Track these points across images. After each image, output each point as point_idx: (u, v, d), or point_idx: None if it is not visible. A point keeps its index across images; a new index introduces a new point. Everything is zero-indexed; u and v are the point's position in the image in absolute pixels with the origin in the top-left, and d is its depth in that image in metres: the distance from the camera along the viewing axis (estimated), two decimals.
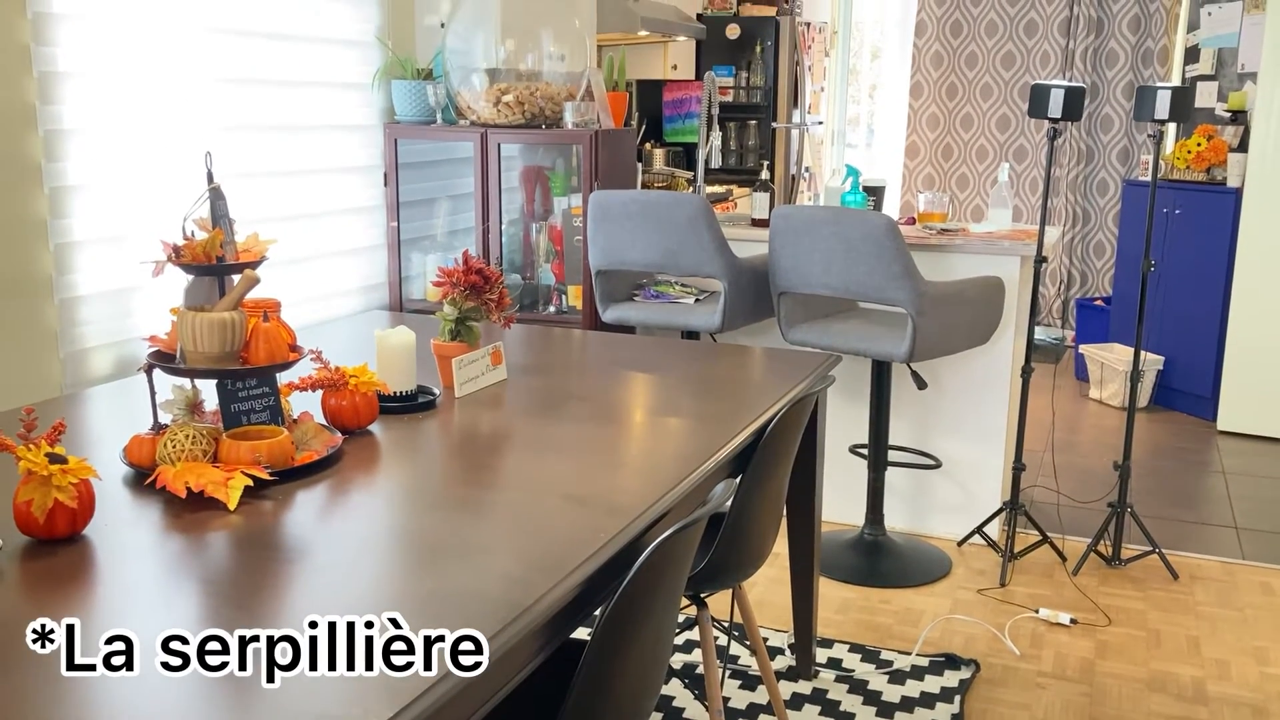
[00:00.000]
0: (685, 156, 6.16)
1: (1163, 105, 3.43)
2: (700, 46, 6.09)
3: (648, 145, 6.06)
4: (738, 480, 2.10)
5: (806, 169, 6.36)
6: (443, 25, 3.88)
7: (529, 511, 1.71)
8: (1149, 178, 5.72)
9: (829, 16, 7.11)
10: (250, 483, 1.71)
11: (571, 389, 2.41)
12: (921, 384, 3.52)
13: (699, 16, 6.06)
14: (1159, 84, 3.43)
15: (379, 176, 3.85)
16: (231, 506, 1.65)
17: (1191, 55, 5.80)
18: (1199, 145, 5.35)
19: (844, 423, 3.98)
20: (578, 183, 3.84)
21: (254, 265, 1.74)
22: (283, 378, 2.31)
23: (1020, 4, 6.62)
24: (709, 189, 5.59)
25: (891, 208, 6.92)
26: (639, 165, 4.41)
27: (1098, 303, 6.19)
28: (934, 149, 6.97)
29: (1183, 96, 3.43)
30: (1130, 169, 6.54)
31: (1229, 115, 5.45)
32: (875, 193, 4.22)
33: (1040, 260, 3.50)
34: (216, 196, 1.72)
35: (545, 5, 3.76)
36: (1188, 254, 5.35)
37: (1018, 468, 3.62)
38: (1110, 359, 5.54)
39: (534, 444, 2.04)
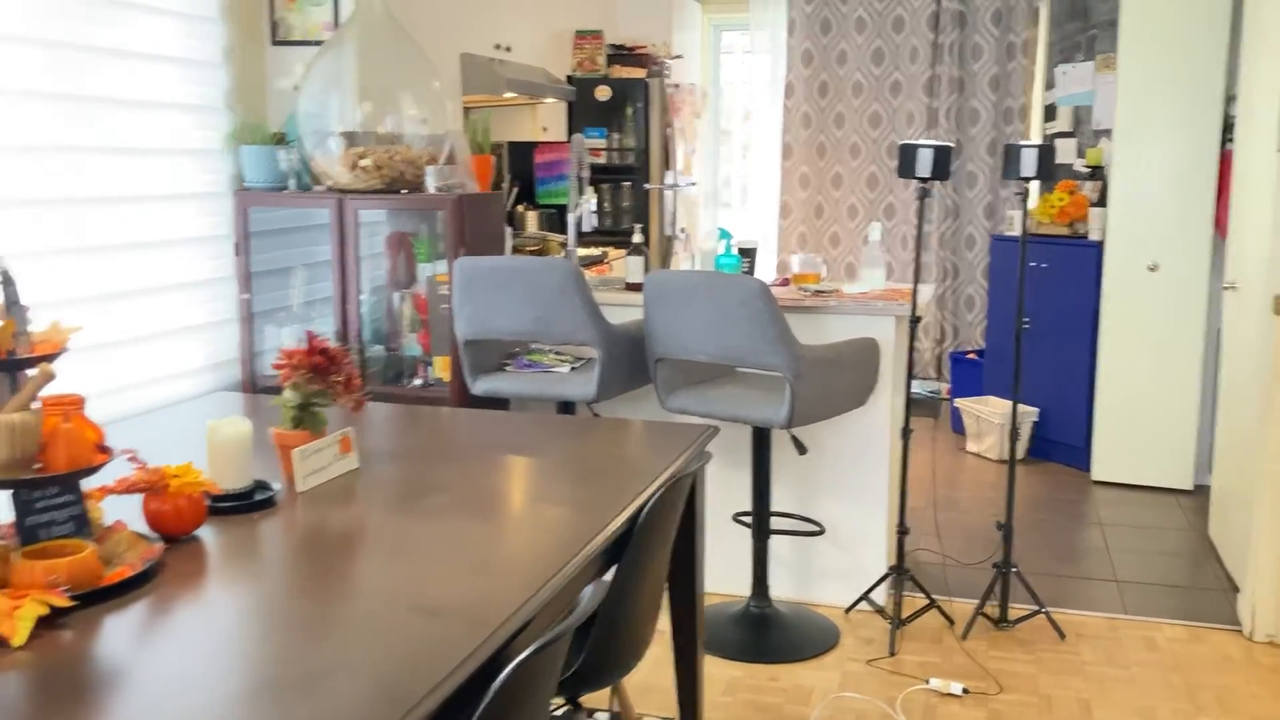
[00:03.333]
0: (559, 219, 6.04)
1: (1028, 164, 3.44)
2: (571, 108, 6.01)
3: (520, 208, 5.93)
4: (611, 576, 1.94)
5: (682, 230, 6.32)
6: (296, 88, 3.70)
7: (378, 627, 1.53)
8: (1015, 232, 5.82)
9: (698, 79, 7.13)
10: (45, 610, 1.49)
11: (432, 477, 2.23)
12: (802, 449, 3.42)
13: (569, 78, 5.99)
14: (1023, 143, 3.45)
15: (229, 246, 3.62)
16: (18, 642, 1.42)
17: (1050, 113, 5.95)
18: (1062, 200, 5.46)
19: (726, 490, 3.87)
20: (443, 249, 3.67)
21: (51, 358, 1.53)
22: (94, 482, 2.07)
23: (885, 65, 6.74)
24: (584, 251, 5.47)
25: (767, 268, 6.92)
26: (509, 230, 4.27)
27: (971, 356, 6.26)
28: (806, 208, 7.01)
29: (1047, 155, 3.46)
30: (996, 224, 6.67)
31: (1088, 171, 5.59)
32: (748, 254, 4.15)
33: (915, 320, 3.46)
34: (5, 282, 1.51)
35: (404, 67, 3.61)
36: (1056, 306, 5.44)
37: (902, 531, 3.55)
38: (985, 412, 5.58)
39: (386, 545, 1.85)
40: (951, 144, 3.39)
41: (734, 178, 7.87)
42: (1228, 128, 4.88)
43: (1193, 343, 4.97)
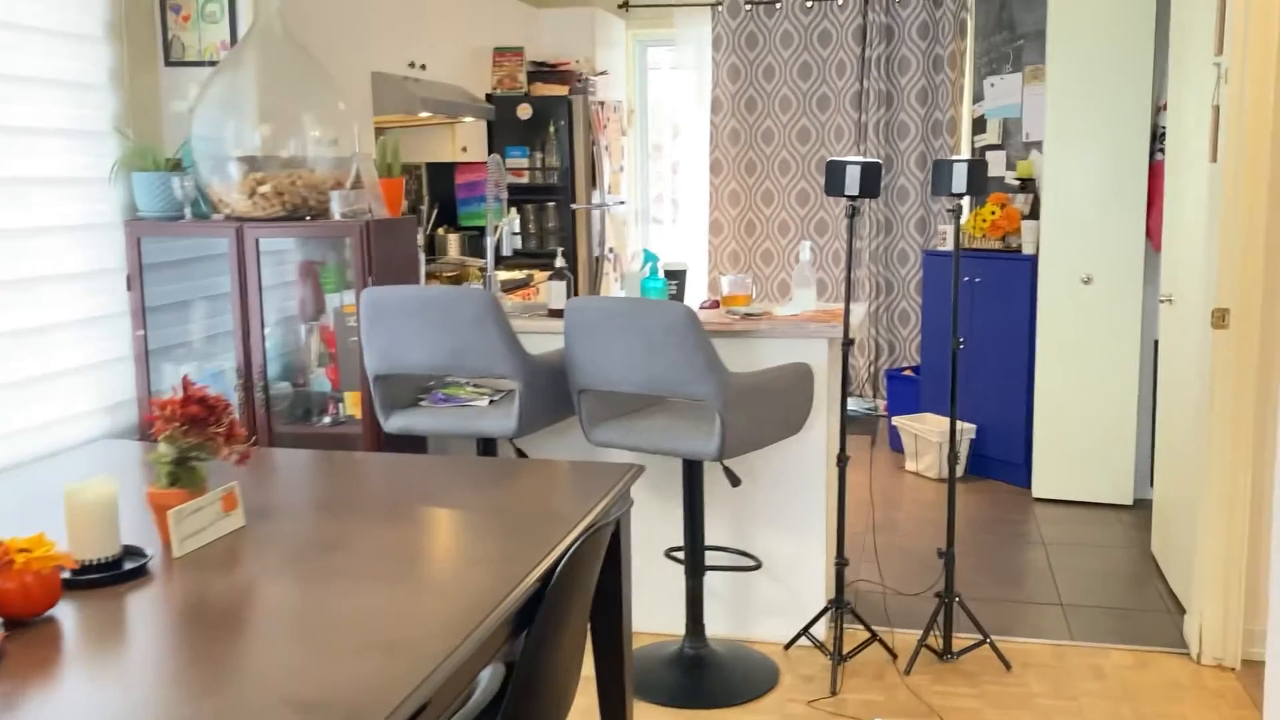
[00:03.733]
0: (482, 242, 5.85)
1: (959, 179, 3.33)
2: (492, 127, 5.83)
3: (441, 230, 5.73)
4: (524, 643, 1.76)
5: (610, 250, 6.16)
6: (190, 111, 3.47)
7: None
8: (947, 248, 5.75)
9: (624, 95, 6.99)
10: None
11: (330, 534, 2.03)
12: (735, 481, 3.27)
13: (488, 97, 5.81)
14: (953, 158, 3.35)
15: (121, 280, 3.38)
16: None
17: (979, 125, 5.90)
18: (993, 214, 5.39)
19: (657, 524, 3.70)
20: (351, 277, 3.46)
21: None
22: None
23: (812, 79, 6.65)
24: (506, 275, 5.29)
25: (698, 289, 6.78)
26: (422, 256, 4.07)
27: (907, 373, 6.17)
28: (737, 225, 6.89)
29: (977, 170, 3.35)
30: (928, 239, 6.60)
31: (1019, 183, 5.53)
32: (676, 277, 4.00)
33: (848, 342, 3.33)
34: None
35: (307, 86, 3.40)
36: (991, 321, 5.36)
37: (840, 562, 3.40)
38: (923, 430, 5.48)
39: (268, 619, 1.65)
40: (879, 160, 3.27)
41: (665, 195, 7.74)
42: (1157, 137, 4.84)
43: (1128, 355, 4.92)
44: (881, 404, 6.85)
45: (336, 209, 3.32)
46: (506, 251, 3.94)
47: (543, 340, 3.61)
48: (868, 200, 6.54)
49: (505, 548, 1.95)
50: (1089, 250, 4.93)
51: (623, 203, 6.48)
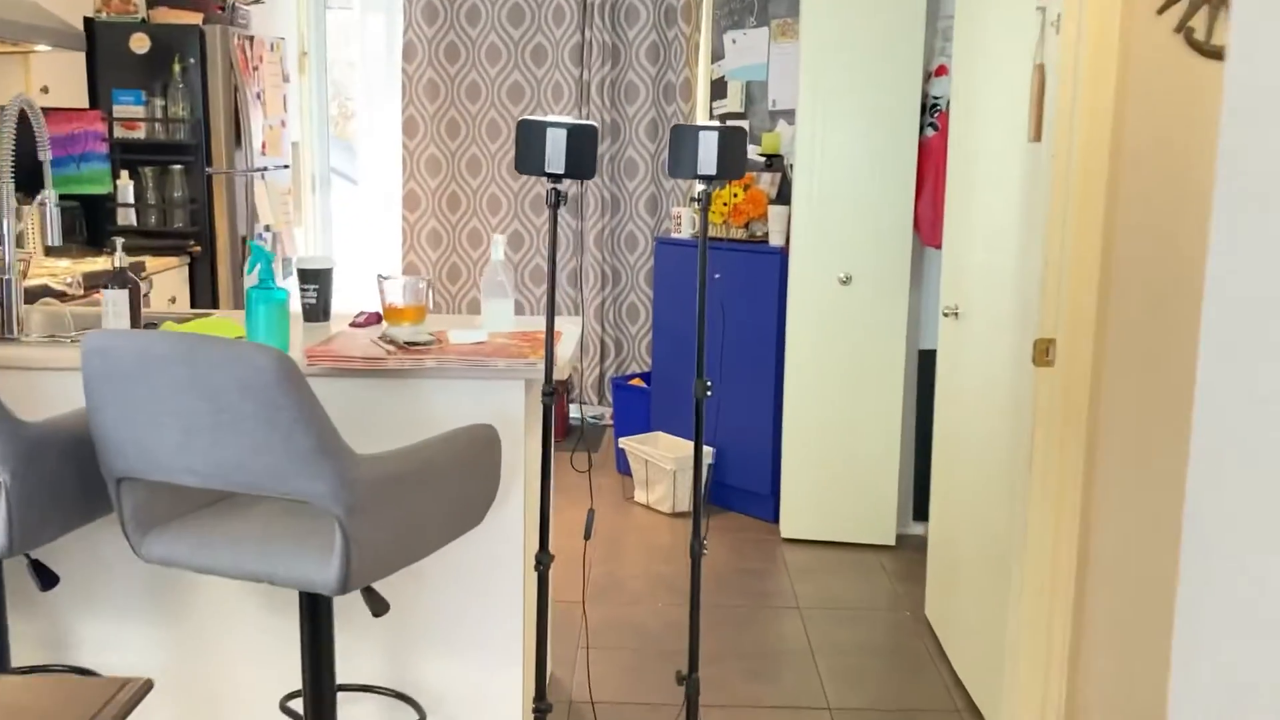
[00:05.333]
0: (85, 217, 4.40)
1: (707, 156, 2.31)
2: (95, 61, 4.37)
3: (21, 200, 4.23)
4: None
5: (267, 228, 4.83)
6: None
7: None
8: (683, 234, 4.80)
9: (294, 32, 5.62)
10: None
11: None
12: (380, 608, 2.13)
13: (89, 22, 4.35)
14: (700, 124, 2.34)
15: None
16: None
17: (718, 89, 4.98)
18: (735, 196, 4.48)
19: (272, 657, 2.52)
20: None
21: None
22: None
23: (526, 26, 5.54)
24: (54, 268, 3.89)
25: (360, 292, 5.55)
26: None
27: (636, 382, 5.21)
28: (437, 199, 5.71)
29: (732, 141, 2.34)
30: (659, 221, 5.67)
31: (764, 160, 4.65)
32: (314, 280, 2.82)
33: (550, 393, 2.27)
34: None
35: None
36: (734, 325, 4.46)
37: (541, 709, 2.35)
38: (655, 455, 4.53)
39: None
40: (594, 124, 2.22)
41: (349, 162, 6.43)
42: (928, 109, 4.05)
43: (892, 369, 4.13)
44: (608, 412, 5.89)
45: None
46: (125, 224, 2.61)
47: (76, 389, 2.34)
48: (579, 182, 5.53)
49: None
50: (848, 244, 4.10)
51: (285, 167, 5.15)
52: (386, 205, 6.19)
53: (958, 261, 3.27)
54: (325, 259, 2.87)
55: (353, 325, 2.83)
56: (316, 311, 2.87)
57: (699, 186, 2.35)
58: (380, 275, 2.87)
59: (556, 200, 2.23)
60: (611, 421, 5.79)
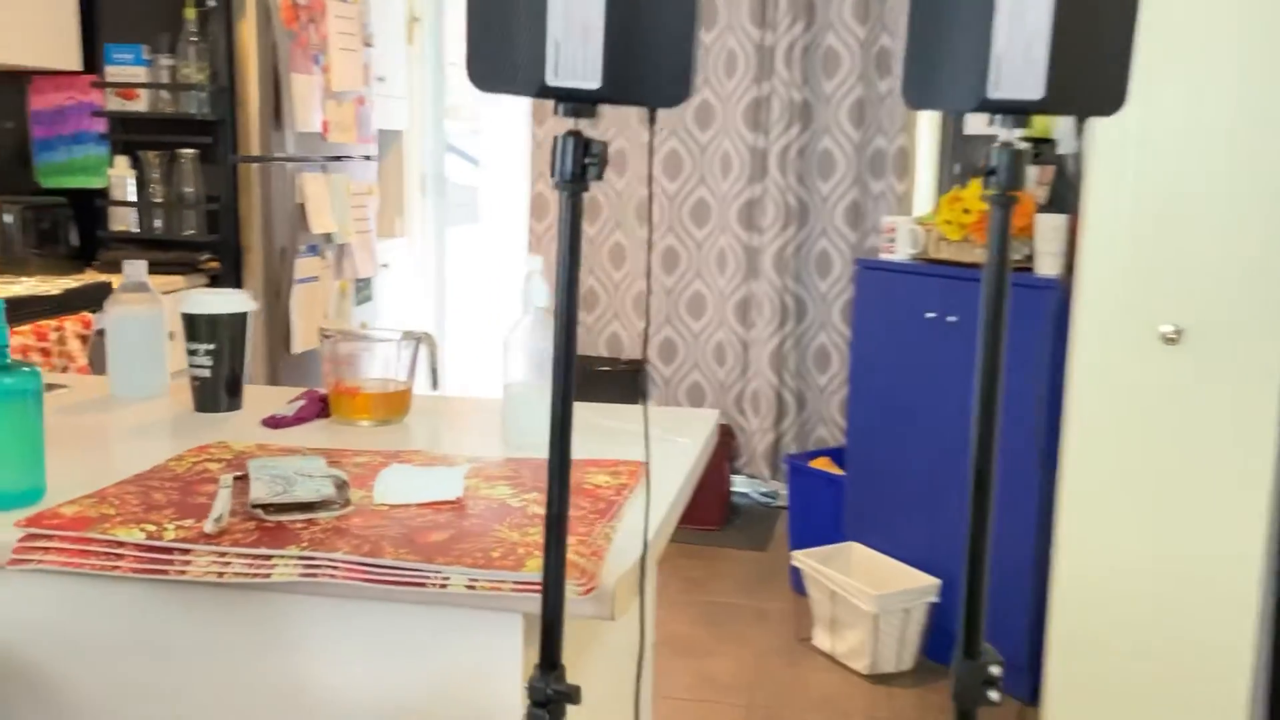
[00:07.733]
0: (76, 216, 3.26)
1: (1022, 56, 0.82)
2: (92, 8, 3.22)
3: None
4: None
5: (328, 239, 3.60)
6: None
7: None
8: (897, 256, 3.28)
9: None
10: None
11: None
12: None
13: None
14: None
15: None
16: None
17: None
18: (977, 204, 2.92)
19: None
20: None
21: None
22: None
23: None
24: (69, 284, 2.70)
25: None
26: None
27: (822, 464, 3.69)
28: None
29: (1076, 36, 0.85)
30: (864, 236, 4.15)
31: (1030, 145, 3.08)
32: (212, 336, 1.48)
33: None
34: None
35: None
36: (970, 395, 2.90)
37: None
38: (847, 586, 3.02)
39: None
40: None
41: (477, 152, 5.19)
42: None
43: (1252, 488, 2.48)
44: (782, 489, 4.41)
45: None
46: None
47: None
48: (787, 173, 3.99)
49: None
50: (1182, 277, 2.49)
51: (368, 158, 3.91)
52: (509, 217, 4.92)
53: None
54: (234, 297, 1.53)
55: (271, 422, 1.48)
56: (214, 393, 1.54)
57: (999, 133, 0.91)
58: (323, 330, 1.52)
59: (583, 166, 0.81)
60: (784, 503, 4.33)
